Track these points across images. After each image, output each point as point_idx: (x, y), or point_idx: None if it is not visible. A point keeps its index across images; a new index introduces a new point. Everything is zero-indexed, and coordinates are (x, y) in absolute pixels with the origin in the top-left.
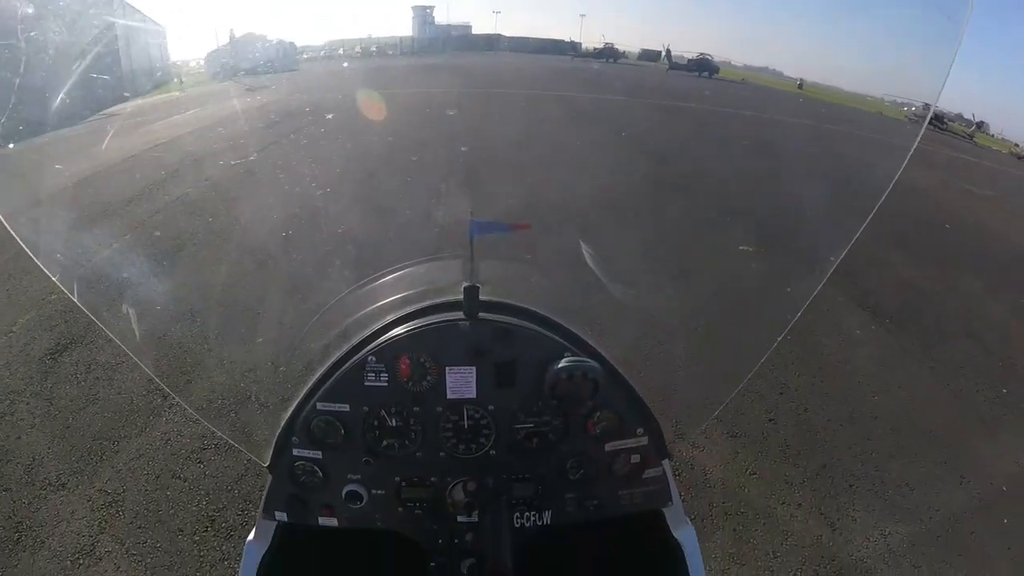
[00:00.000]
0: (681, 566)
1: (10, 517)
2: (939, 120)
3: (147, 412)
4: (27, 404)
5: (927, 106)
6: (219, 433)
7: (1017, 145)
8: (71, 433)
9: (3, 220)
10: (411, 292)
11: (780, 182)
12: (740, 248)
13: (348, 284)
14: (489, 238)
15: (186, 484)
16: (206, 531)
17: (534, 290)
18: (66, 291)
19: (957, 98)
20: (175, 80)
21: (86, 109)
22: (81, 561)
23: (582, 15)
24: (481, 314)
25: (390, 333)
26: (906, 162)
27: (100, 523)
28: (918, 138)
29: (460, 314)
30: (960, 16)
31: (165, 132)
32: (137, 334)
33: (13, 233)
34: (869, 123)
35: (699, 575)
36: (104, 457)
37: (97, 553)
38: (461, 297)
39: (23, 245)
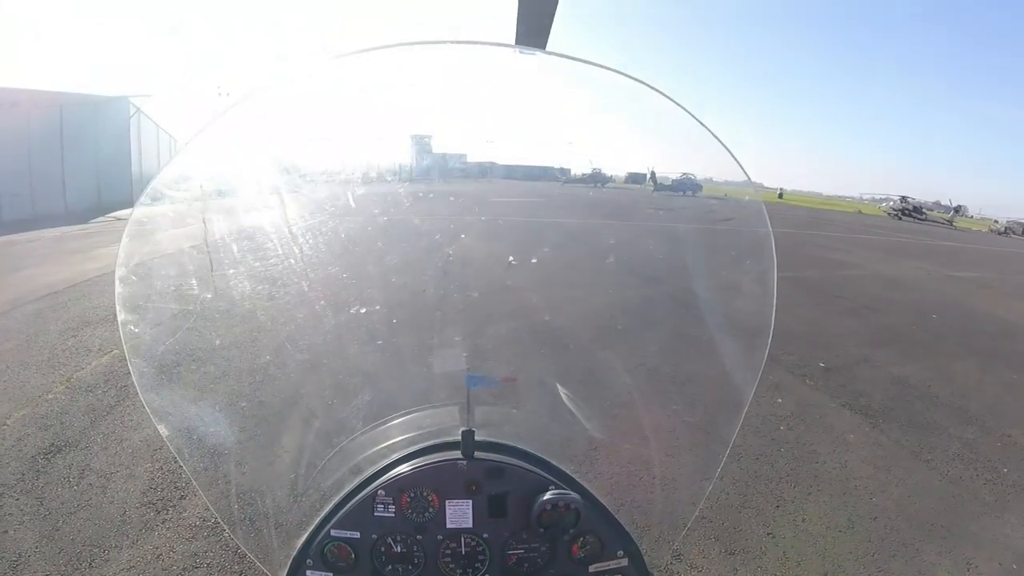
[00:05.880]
0: None
1: None
2: (917, 211)
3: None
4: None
5: (904, 198)
6: (244, 550)
7: (996, 221)
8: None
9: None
10: (417, 433)
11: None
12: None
13: (362, 425)
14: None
15: None
16: None
17: (523, 429)
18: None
19: (935, 186)
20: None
21: (96, 209)
22: None
23: (570, 143)
24: (477, 453)
25: (398, 469)
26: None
27: None
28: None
29: (459, 454)
30: None
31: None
32: (178, 427)
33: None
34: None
35: None
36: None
37: None
38: (459, 438)
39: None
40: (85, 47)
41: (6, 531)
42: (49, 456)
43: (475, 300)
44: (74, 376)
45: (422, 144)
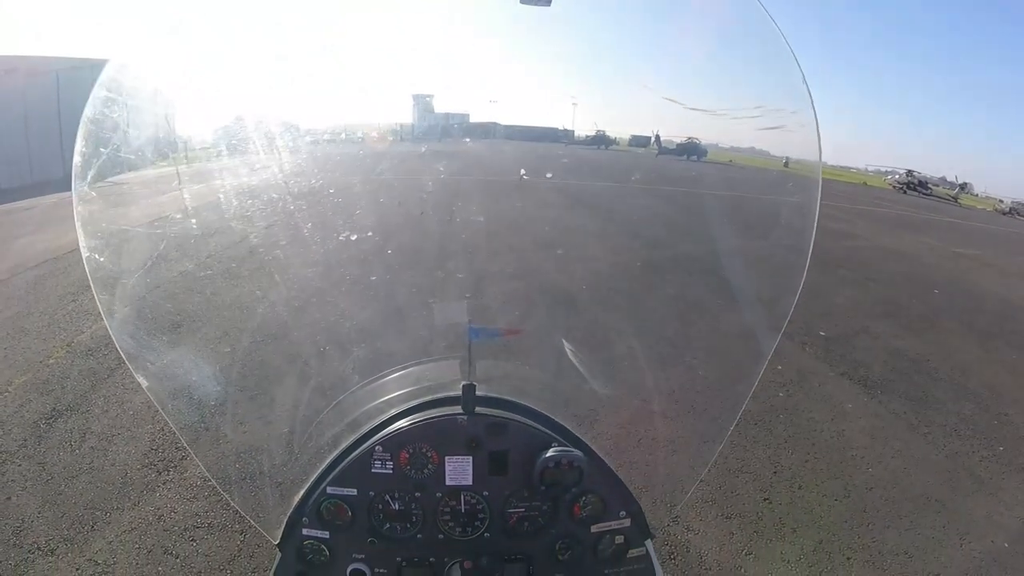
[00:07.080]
0: None
1: None
2: (923, 185)
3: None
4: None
5: (910, 172)
6: (237, 508)
7: (1001, 201)
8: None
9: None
10: (416, 387)
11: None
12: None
13: (359, 379)
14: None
15: (178, 561)
16: None
17: (526, 385)
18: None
19: (941, 162)
20: (180, 154)
21: (89, 174)
22: None
23: (574, 103)
24: (478, 409)
25: (396, 425)
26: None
27: None
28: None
29: (459, 409)
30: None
31: (169, 207)
32: (168, 390)
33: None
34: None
35: None
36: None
37: None
38: (460, 393)
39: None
40: (85, 47)
41: (9, 497)
42: (51, 421)
43: (479, 243)
44: (74, 340)
45: (424, 104)
